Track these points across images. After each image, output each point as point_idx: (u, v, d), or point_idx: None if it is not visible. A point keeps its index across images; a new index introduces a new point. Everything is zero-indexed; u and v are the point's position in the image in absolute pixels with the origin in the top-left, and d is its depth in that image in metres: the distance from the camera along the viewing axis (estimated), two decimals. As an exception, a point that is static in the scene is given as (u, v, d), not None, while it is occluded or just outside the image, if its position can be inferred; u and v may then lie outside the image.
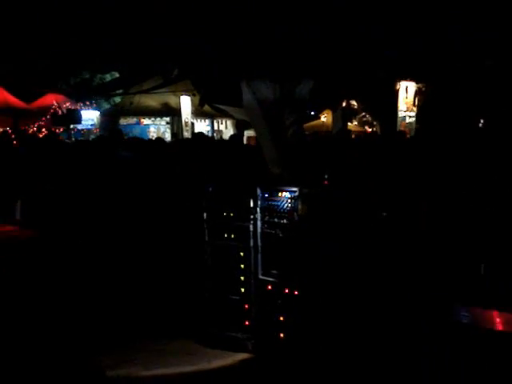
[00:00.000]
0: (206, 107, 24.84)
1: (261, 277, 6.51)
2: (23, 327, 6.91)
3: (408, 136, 12.87)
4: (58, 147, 13.76)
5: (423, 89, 20.49)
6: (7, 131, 17.31)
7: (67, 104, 23.48)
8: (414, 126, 20.61)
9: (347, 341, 5.78)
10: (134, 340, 6.91)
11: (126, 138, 13.11)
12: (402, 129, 19.56)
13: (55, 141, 16.55)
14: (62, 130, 22.47)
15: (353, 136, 14.40)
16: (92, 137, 21.07)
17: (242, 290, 6.64)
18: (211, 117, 26.49)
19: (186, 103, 24.46)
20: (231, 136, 13.21)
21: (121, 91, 26.54)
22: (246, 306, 6.61)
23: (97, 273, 8.26)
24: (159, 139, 13.33)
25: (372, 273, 5.74)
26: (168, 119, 26.90)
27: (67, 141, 18.15)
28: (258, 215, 6.49)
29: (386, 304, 5.50)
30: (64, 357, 6.34)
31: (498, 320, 4.12)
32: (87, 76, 26.72)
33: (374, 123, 24.50)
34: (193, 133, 19.44)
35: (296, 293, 6.15)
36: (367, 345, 5.63)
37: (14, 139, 15.51)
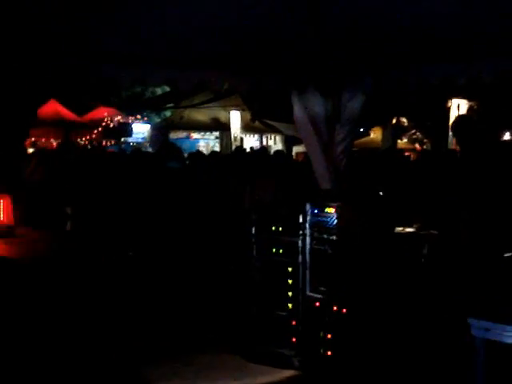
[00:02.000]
0: (256, 122, 24.90)
1: (309, 293, 6.45)
2: (75, 337, 6.98)
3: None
4: (111, 159, 13.95)
5: (475, 107, 20.19)
6: (64, 143, 17.56)
7: (118, 117, 23.78)
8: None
9: (395, 359, 5.70)
10: (182, 354, 6.91)
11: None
12: (454, 147, 19.30)
13: (106, 153, 16.80)
14: (113, 142, 22.75)
15: (406, 153, 14.14)
16: (143, 150, 21.26)
17: (290, 306, 6.59)
18: (260, 132, 26.53)
19: (235, 118, 24.55)
20: (275, 152, 13.24)
21: (171, 105, 26.77)
22: (294, 323, 6.55)
23: (147, 285, 8.31)
24: (214, 152, 13.39)
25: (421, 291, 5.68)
26: (217, 134, 27.04)
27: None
28: (307, 231, 6.44)
29: (435, 317, 5.42)
30: (113, 368, 6.37)
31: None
32: (138, 90, 27.03)
33: (425, 140, 24.22)
34: (236, 147, 19.45)
35: (344, 311, 6.08)
36: (419, 364, 5.54)
37: (70, 152, 15.76)
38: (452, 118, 20.67)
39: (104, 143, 22.29)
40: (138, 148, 20.66)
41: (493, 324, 4.22)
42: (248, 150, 18.92)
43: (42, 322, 7.32)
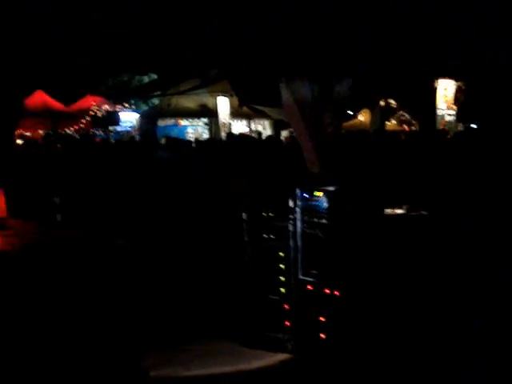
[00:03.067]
0: (244, 108, 24.85)
1: (301, 277, 6.48)
2: (71, 326, 6.98)
3: (449, 135, 12.71)
4: (97, 148, 13.92)
5: (463, 87, 20.21)
6: (50, 134, 17.49)
7: (106, 106, 23.67)
8: (453, 124, 20.35)
9: (388, 340, 5.74)
10: (176, 341, 6.93)
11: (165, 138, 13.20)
12: (442, 127, 19.34)
13: (93, 141, 16.75)
14: (101, 131, 22.67)
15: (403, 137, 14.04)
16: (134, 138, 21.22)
17: (282, 290, 6.63)
18: (248, 117, 26.49)
19: (223, 104, 24.51)
20: (268, 137, 13.22)
21: (158, 93, 26.66)
22: (286, 307, 6.59)
23: (140, 274, 8.31)
24: (210, 140, 13.34)
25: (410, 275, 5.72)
26: (206, 120, 26.98)
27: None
28: (298, 215, 6.46)
29: (432, 304, 5.46)
30: (108, 356, 6.38)
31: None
32: (125, 78, 26.89)
33: (413, 122, 24.25)
34: (228, 133, 19.43)
35: (337, 293, 6.11)
36: (412, 345, 5.58)
37: (56, 141, 15.70)
38: (439, 98, 20.72)
39: (92, 132, 22.21)
40: (132, 136, 20.59)
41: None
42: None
43: (35, 313, 7.32)
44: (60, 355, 6.21)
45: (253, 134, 23.29)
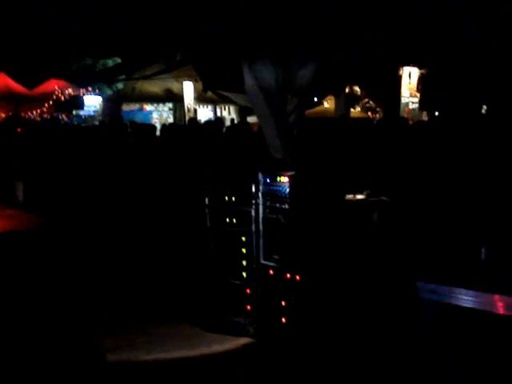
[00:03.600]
0: (209, 93, 24.80)
1: (262, 262, 6.51)
2: (25, 310, 6.95)
3: (410, 122, 12.82)
4: (62, 131, 13.83)
5: (426, 74, 20.39)
6: (10, 117, 17.30)
7: (69, 90, 23.47)
8: (417, 112, 20.54)
9: (348, 325, 5.80)
10: (135, 324, 6.93)
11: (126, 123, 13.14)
12: (405, 115, 19.50)
13: (58, 125, 16.62)
14: (64, 116, 22.47)
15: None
16: (95, 123, 21.06)
17: (244, 274, 6.65)
18: (214, 103, 26.45)
19: (188, 89, 24.42)
20: (229, 126, 13.18)
21: (123, 77, 26.48)
22: (248, 291, 6.62)
23: (99, 257, 8.29)
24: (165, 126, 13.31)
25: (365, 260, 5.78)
26: (171, 105, 26.89)
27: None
28: (260, 200, 6.48)
29: (382, 289, 5.53)
30: (65, 339, 6.37)
31: (500, 304, 4.12)
32: (89, 62, 26.65)
33: (377, 109, 24.42)
34: (190, 119, 19.40)
35: (298, 278, 6.16)
36: (370, 329, 5.65)
37: (17, 125, 15.56)
38: (403, 86, 20.88)
39: (56, 115, 22.01)
40: (102, 121, 20.41)
41: (439, 286, 4.32)
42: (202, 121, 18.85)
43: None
44: (10, 340, 6.20)
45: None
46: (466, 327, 4.19)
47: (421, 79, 20.51)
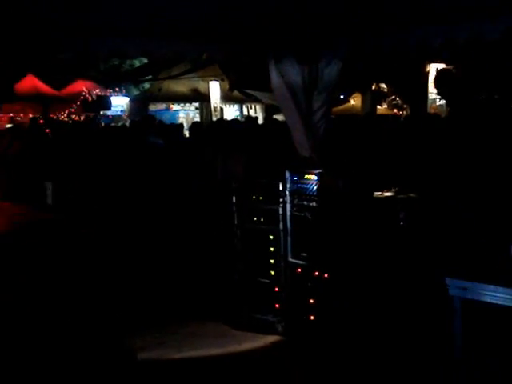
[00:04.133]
0: (235, 92, 24.80)
1: (290, 260, 6.52)
2: (57, 308, 7.02)
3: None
4: (90, 133, 13.92)
5: (453, 71, 20.19)
6: (37, 118, 17.44)
7: (97, 90, 23.63)
8: (444, 108, 20.35)
9: (377, 322, 5.79)
10: (166, 323, 6.97)
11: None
12: (433, 111, 19.35)
13: (86, 126, 16.72)
14: (92, 116, 22.64)
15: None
16: (121, 123, 21.18)
17: (272, 272, 6.66)
18: (240, 102, 26.44)
19: (214, 88, 24.44)
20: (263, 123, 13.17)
21: (150, 77, 26.61)
22: (276, 289, 6.62)
23: (130, 257, 8.34)
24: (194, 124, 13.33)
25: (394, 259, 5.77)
26: (197, 105, 26.94)
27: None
28: (287, 198, 6.49)
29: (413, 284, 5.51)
30: (97, 338, 6.42)
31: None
32: (116, 62, 26.83)
33: (404, 106, 24.26)
34: (218, 119, 19.42)
35: (326, 275, 6.15)
36: (398, 327, 5.63)
37: (45, 126, 15.70)
38: (430, 83, 20.72)
39: (84, 116, 22.19)
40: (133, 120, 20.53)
41: (470, 283, 4.30)
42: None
43: (21, 296, 7.37)
44: (41, 338, 6.26)
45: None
46: (495, 324, 4.17)
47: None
